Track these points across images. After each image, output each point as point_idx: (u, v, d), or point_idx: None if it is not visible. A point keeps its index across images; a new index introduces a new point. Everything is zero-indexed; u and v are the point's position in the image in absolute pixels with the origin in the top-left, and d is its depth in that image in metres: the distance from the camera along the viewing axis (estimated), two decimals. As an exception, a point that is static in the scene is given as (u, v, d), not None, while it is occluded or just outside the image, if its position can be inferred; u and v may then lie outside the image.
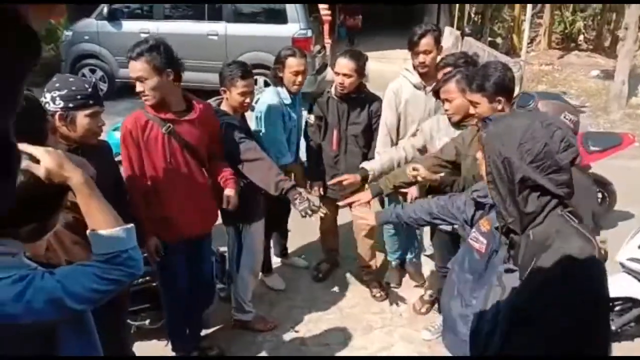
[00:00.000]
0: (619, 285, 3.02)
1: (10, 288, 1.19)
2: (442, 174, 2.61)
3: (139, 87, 2.40)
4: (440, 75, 2.98)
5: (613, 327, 3.08)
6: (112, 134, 4.52)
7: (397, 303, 3.63)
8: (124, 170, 2.53)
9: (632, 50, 9.24)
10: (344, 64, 3.25)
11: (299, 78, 3.28)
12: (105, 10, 8.50)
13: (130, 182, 2.52)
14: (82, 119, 2.08)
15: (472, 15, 14.75)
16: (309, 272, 3.96)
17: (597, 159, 4.52)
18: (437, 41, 3.21)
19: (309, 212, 2.62)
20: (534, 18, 13.04)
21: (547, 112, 1.86)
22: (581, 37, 14.47)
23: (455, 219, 2.05)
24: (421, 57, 3.18)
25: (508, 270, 1.49)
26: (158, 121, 2.45)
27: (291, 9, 8.04)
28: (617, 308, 3.11)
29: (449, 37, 12.44)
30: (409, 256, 3.84)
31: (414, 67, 3.27)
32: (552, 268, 1.34)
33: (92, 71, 8.71)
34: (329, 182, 3.18)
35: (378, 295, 3.66)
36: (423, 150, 2.98)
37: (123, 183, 2.51)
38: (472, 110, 2.45)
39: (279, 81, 3.33)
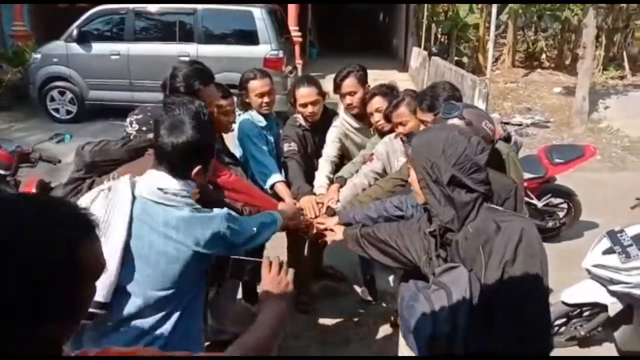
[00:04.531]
0: (585, 291, 3.12)
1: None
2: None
3: (348, 100, 3.14)
4: (370, 107, 3.05)
5: (582, 332, 3.18)
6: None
7: (374, 316, 3.66)
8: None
9: (591, 68, 9.65)
10: (308, 92, 3.16)
11: (266, 99, 3.13)
12: (75, 32, 8.44)
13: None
14: None
15: (439, 36, 15.19)
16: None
17: (562, 171, 4.69)
18: (362, 81, 3.17)
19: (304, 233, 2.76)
20: (498, 38, 13.50)
21: (470, 118, 2.08)
22: (543, 56, 15.04)
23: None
24: (347, 99, 3.18)
25: (448, 269, 1.58)
26: None
27: (262, 31, 8.16)
28: (585, 314, 3.20)
29: (417, 57, 12.78)
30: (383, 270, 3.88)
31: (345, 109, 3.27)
32: (510, 245, 1.50)
33: (62, 93, 8.60)
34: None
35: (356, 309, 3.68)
36: (383, 174, 2.98)
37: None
38: (422, 129, 2.55)
39: (247, 106, 3.21)
